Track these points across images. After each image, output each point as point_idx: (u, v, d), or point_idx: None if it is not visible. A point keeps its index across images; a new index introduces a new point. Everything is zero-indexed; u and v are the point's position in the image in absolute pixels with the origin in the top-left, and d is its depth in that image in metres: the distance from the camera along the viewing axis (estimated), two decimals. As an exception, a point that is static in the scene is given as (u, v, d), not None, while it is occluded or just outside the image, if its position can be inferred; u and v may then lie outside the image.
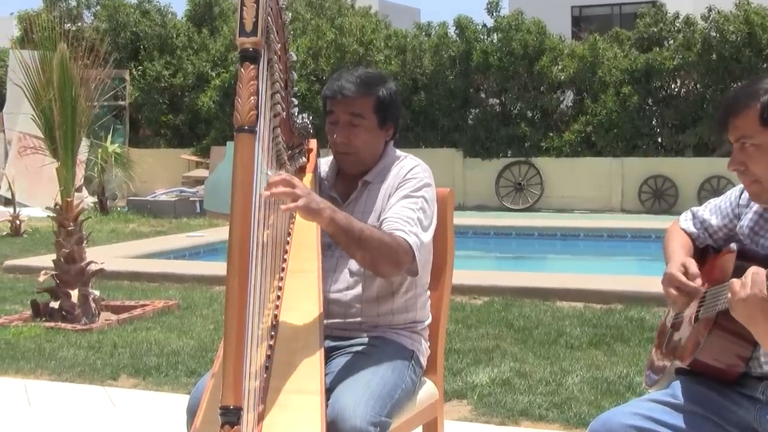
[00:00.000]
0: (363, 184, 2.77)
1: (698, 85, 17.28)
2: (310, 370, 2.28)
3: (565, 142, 17.79)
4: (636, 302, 6.74)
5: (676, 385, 2.35)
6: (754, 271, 2.04)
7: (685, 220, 2.60)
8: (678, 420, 2.26)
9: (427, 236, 2.64)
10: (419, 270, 2.61)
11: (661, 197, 16.96)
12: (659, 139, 17.70)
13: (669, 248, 2.50)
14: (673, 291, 2.33)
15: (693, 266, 2.33)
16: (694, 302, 2.34)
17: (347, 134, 2.72)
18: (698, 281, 2.30)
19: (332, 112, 2.73)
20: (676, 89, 17.54)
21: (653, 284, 6.59)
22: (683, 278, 2.30)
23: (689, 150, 17.27)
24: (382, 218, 2.63)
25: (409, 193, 2.67)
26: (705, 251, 2.52)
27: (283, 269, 2.55)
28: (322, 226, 2.40)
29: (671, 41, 17.61)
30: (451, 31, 18.76)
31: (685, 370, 2.36)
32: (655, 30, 17.64)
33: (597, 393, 4.57)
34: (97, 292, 6.64)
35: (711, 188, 16.27)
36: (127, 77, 18.63)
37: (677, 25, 17.67)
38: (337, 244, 2.48)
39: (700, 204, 2.65)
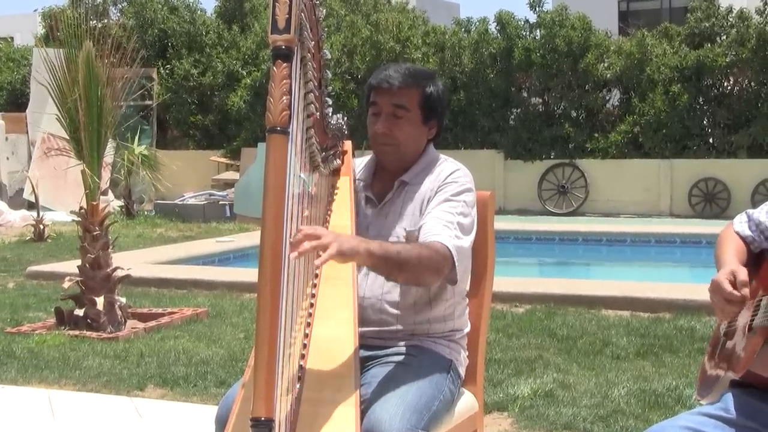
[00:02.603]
0: (400, 185, 2.74)
1: (752, 83, 16.98)
2: (345, 381, 2.27)
3: (611, 143, 17.58)
4: (686, 311, 6.68)
5: (729, 398, 2.31)
6: None
7: (740, 223, 2.55)
8: None
9: (467, 242, 2.60)
10: (458, 278, 2.56)
11: (712, 201, 16.66)
12: (711, 140, 17.46)
13: (721, 254, 2.46)
14: (717, 300, 2.29)
15: (742, 274, 2.27)
16: (748, 311, 2.30)
17: (390, 125, 2.68)
18: (746, 290, 2.25)
19: (375, 103, 2.70)
20: (729, 87, 17.27)
21: (704, 292, 6.48)
22: (728, 287, 2.25)
23: (742, 151, 17.01)
24: (420, 223, 2.60)
25: (449, 197, 2.64)
26: (760, 256, 2.48)
27: (316, 276, 2.55)
28: (360, 263, 2.37)
29: (724, 37, 17.31)
30: (492, 27, 18.63)
31: (738, 382, 2.32)
32: (707, 25, 17.38)
33: (644, 406, 4.51)
34: (123, 300, 6.66)
35: (765, 191, 16.02)
36: (155, 76, 18.71)
37: (730, 19, 17.33)
38: (378, 272, 2.47)
39: (755, 207, 2.59)
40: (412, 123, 2.69)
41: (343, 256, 2.23)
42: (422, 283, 2.52)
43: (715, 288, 2.29)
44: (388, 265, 2.38)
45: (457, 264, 2.51)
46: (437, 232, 2.52)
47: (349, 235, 2.39)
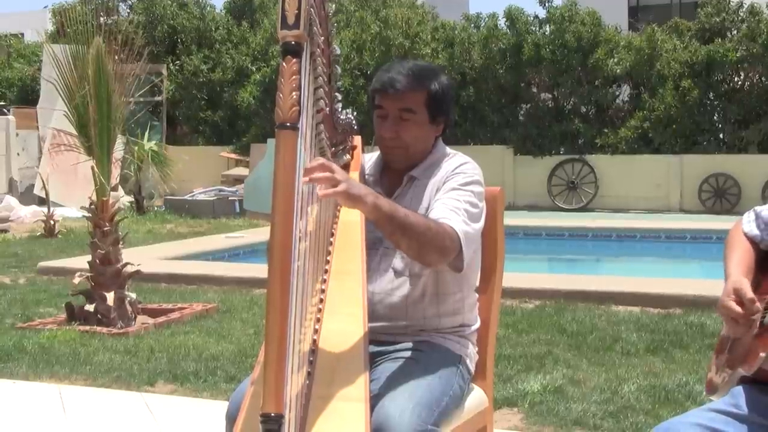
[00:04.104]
0: (409, 180, 2.73)
1: (763, 78, 16.93)
2: (355, 377, 2.25)
3: (621, 139, 17.53)
4: (696, 307, 6.63)
5: (740, 395, 2.29)
6: None
7: (748, 222, 2.52)
8: (741, 431, 2.22)
9: (474, 229, 2.56)
10: (464, 265, 2.51)
11: (722, 197, 16.60)
12: (721, 135, 17.45)
13: (727, 262, 2.43)
14: (726, 320, 2.29)
15: (747, 291, 2.25)
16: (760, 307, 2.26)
17: (396, 129, 2.66)
18: (756, 306, 2.23)
19: (381, 107, 2.67)
20: (740, 82, 17.22)
21: (714, 288, 6.75)
22: (736, 307, 2.24)
23: (753, 147, 16.99)
24: (429, 209, 2.59)
25: (457, 186, 2.62)
26: None
27: (326, 271, 2.53)
28: (365, 213, 2.32)
29: (734, 32, 17.25)
30: (502, 22, 18.62)
31: (749, 378, 2.31)
32: (718, 20, 17.30)
33: (655, 402, 4.47)
34: (133, 295, 6.66)
35: (776, 186, 16.04)
36: (164, 72, 18.57)
37: (741, 14, 17.28)
38: (381, 231, 2.42)
39: (765, 203, 2.57)
40: (419, 124, 2.67)
41: (348, 198, 2.20)
42: (425, 257, 2.45)
43: (726, 311, 2.28)
44: (392, 224, 2.33)
45: (464, 249, 2.47)
46: (446, 216, 2.49)
47: (361, 184, 2.34)
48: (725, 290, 2.29)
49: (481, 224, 2.61)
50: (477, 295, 2.82)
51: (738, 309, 2.23)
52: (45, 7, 26.57)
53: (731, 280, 2.32)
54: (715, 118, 17.39)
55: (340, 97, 2.54)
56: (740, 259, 2.42)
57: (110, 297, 6.41)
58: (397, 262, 2.65)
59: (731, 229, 2.55)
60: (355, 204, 2.24)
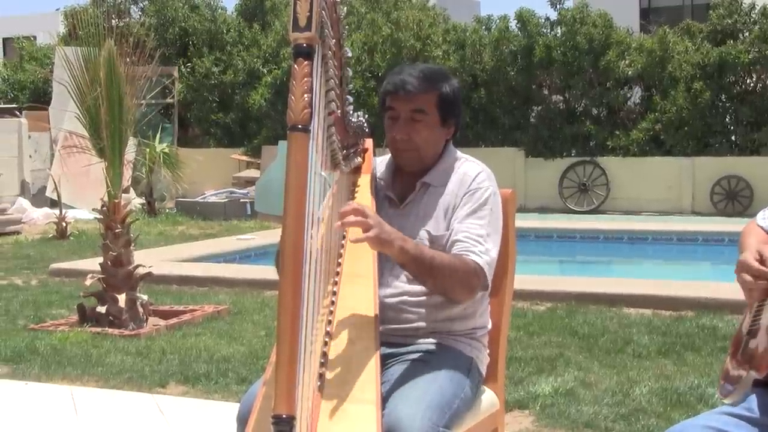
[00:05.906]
0: (422, 186, 2.73)
1: (775, 80, 16.80)
2: (366, 379, 2.26)
3: (633, 141, 17.43)
4: (708, 309, 6.60)
5: (752, 398, 2.27)
6: None
7: (763, 219, 2.50)
8: None
9: (497, 250, 2.64)
10: (490, 285, 2.61)
11: (734, 199, 16.51)
12: (733, 137, 17.35)
13: (745, 243, 2.41)
14: (747, 277, 2.23)
15: None
16: None
17: (408, 130, 2.67)
18: None
19: (392, 108, 2.69)
20: (752, 84, 17.11)
21: (726, 290, 6.77)
22: (755, 263, 2.22)
23: (765, 149, 16.86)
24: (449, 236, 2.62)
25: (476, 207, 2.65)
26: None
27: (337, 273, 2.56)
28: (392, 255, 2.41)
29: (747, 33, 17.13)
30: (513, 24, 18.57)
31: (761, 381, 2.27)
32: (730, 22, 17.19)
33: (666, 404, 4.47)
34: (145, 297, 6.66)
35: (789, 189, 15.95)
36: (176, 74, 18.58)
37: (753, 16, 17.17)
38: (408, 272, 2.52)
39: None
40: (430, 126, 2.68)
41: (379, 243, 2.33)
42: (451, 294, 2.55)
43: (742, 266, 2.25)
44: (418, 267, 2.43)
45: (488, 276, 2.56)
46: (468, 249, 2.56)
47: (391, 228, 2.40)
48: (748, 253, 2.28)
49: (500, 237, 2.68)
50: (488, 299, 2.82)
51: (758, 265, 2.22)
52: (57, 9, 26.61)
53: (756, 244, 2.32)
54: (727, 120, 17.30)
55: (351, 99, 2.55)
56: (758, 240, 2.41)
57: (122, 299, 6.42)
58: None
59: (746, 225, 2.54)
60: (383, 248, 2.37)
